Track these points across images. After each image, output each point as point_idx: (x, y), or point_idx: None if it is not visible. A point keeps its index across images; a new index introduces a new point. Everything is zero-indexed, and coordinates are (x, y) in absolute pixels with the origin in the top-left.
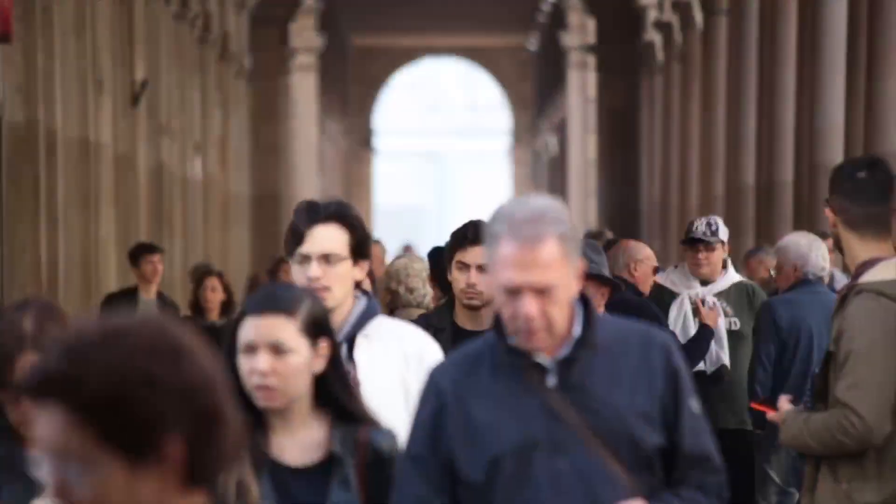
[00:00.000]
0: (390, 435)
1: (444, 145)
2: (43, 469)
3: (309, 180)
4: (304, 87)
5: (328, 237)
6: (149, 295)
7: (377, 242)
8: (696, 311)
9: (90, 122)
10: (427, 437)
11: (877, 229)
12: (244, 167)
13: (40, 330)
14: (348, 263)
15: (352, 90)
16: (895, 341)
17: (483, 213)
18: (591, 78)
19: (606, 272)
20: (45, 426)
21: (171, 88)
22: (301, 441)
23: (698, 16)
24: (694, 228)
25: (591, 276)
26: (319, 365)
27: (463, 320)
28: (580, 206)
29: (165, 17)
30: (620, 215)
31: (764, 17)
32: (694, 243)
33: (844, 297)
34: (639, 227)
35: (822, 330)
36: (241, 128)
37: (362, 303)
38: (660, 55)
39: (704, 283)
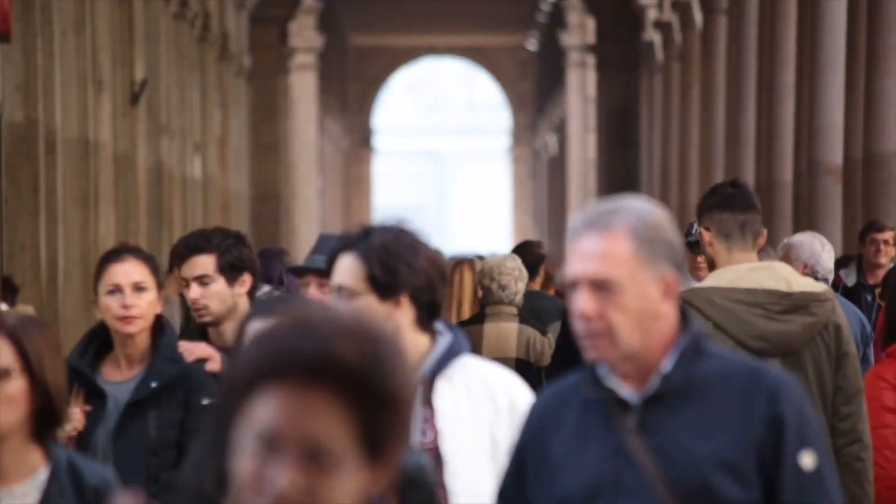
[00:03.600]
0: (419, 457)
1: (443, 144)
2: (275, 460)
3: (308, 180)
4: (303, 86)
5: (343, 269)
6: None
7: None
8: None
9: (90, 122)
10: (512, 473)
11: (744, 238)
12: (244, 166)
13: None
14: (369, 299)
15: (351, 89)
16: None
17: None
18: (591, 77)
19: None
20: (309, 414)
21: (170, 88)
22: None
23: (698, 15)
24: (694, 231)
25: None
26: None
27: (214, 339)
28: (579, 206)
29: (165, 16)
30: None
31: (763, 16)
32: (693, 247)
33: None
34: None
35: None
36: (240, 127)
37: (445, 339)
38: (659, 54)
39: None
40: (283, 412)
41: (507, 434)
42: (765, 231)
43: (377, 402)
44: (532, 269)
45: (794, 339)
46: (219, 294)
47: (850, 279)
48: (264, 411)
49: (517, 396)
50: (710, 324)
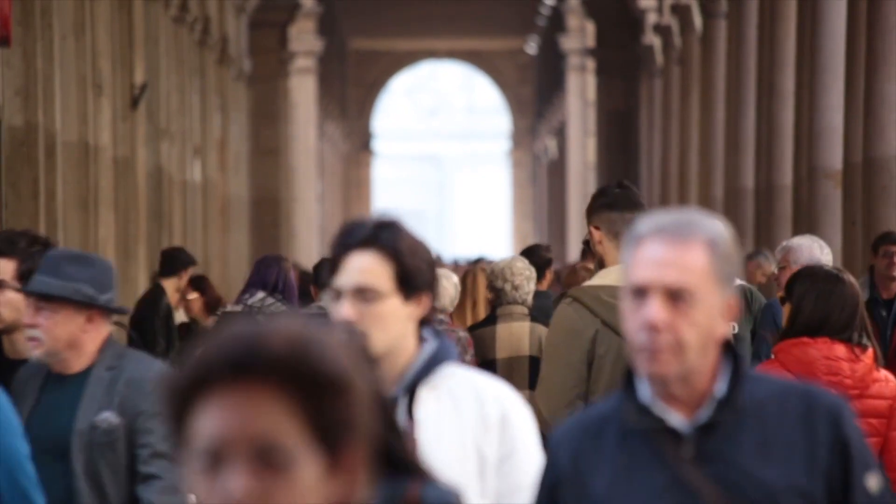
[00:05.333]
0: (448, 492)
1: (443, 148)
2: (226, 470)
3: (308, 183)
4: (303, 90)
5: (363, 268)
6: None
7: None
8: None
9: (89, 126)
10: None
11: None
12: (243, 170)
13: None
14: (394, 301)
15: (351, 93)
16: (576, 342)
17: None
18: (591, 81)
19: None
20: (249, 407)
21: (170, 92)
22: None
23: (697, 19)
24: None
25: None
26: None
27: (7, 347)
28: (579, 209)
29: (165, 20)
30: None
31: (763, 20)
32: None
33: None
34: None
35: None
36: (240, 131)
37: (431, 346)
38: (659, 58)
39: None
40: (222, 418)
41: (497, 449)
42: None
43: (315, 387)
44: (540, 270)
45: None
46: (12, 302)
47: (864, 292)
48: (203, 423)
49: (509, 409)
50: (599, 321)
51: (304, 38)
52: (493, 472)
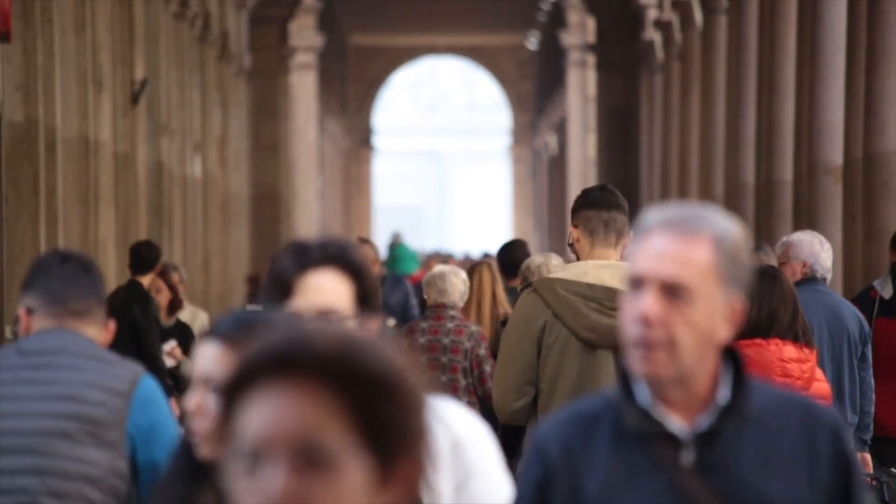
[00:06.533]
0: None
1: (443, 144)
2: (266, 468)
3: (308, 179)
4: (303, 86)
5: (323, 288)
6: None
7: (368, 243)
8: None
9: (90, 121)
10: None
11: (607, 235)
12: (244, 166)
13: None
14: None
15: (351, 89)
16: (528, 330)
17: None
18: (591, 77)
19: None
20: (293, 403)
21: (170, 87)
22: None
23: (698, 15)
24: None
25: None
26: None
27: None
28: None
29: (165, 16)
30: None
31: (763, 16)
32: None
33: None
34: None
35: (823, 328)
36: (240, 127)
37: None
38: (659, 54)
39: None
40: (265, 415)
41: (451, 477)
42: (630, 232)
43: (363, 387)
44: (514, 268)
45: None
46: None
47: (885, 291)
48: (247, 421)
49: (462, 432)
50: (550, 312)
51: (305, 34)
52: (451, 499)
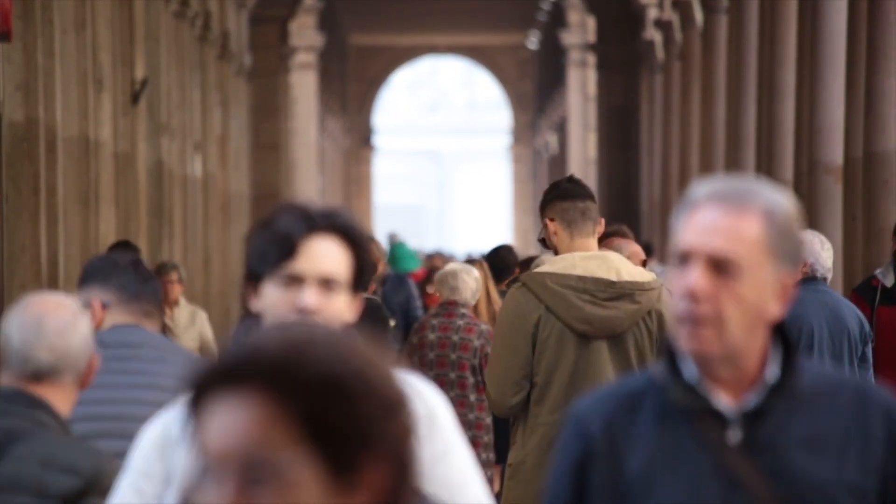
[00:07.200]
0: None
1: (443, 144)
2: (212, 481)
3: (309, 179)
4: (303, 85)
5: (329, 255)
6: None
7: (373, 241)
8: None
9: (90, 121)
10: (569, 492)
11: (584, 224)
12: (244, 166)
13: None
14: (346, 297)
15: (352, 89)
16: (522, 325)
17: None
18: (591, 76)
19: None
20: (239, 417)
21: (170, 87)
22: None
23: (698, 14)
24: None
25: None
26: None
27: None
28: None
29: (165, 15)
30: (620, 213)
31: (764, 15)
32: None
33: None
34: (639, 225)
35: (823, 327)
36: (240, 126)
37: None
38: (660, 53)
39: None
40: (212, 431)
41: (429, 448)
42: (602, 220)
43: (313, 392)
44: (501, 272)
45: (616, 323)
46: None
47: (888, 279)
48: (201, 437)
49: (434, 405)
50: (543, 306)
51: (305, 34)
52: (428, 471)
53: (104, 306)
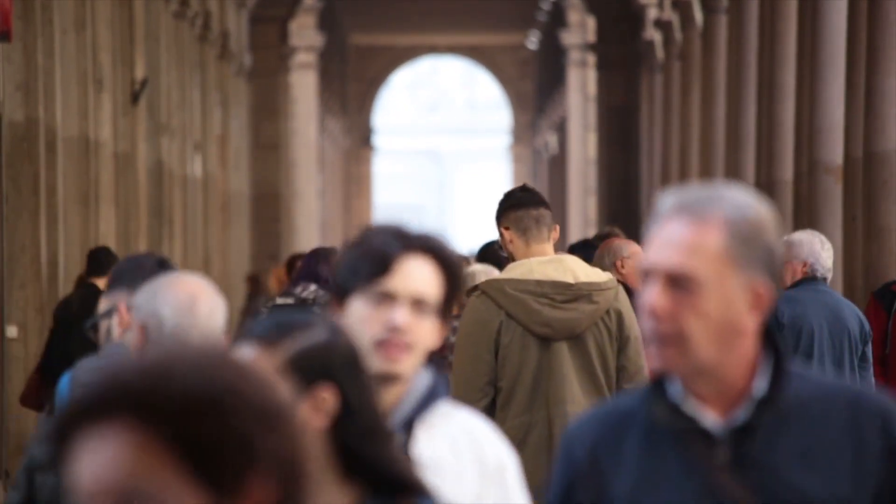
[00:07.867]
0: None
1: (443, 144)
2: None
3: (309, 179)
4: (303, 85)
5: (423, 276)
6: None
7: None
8: None
9: (90, 121)
10: None
11: (539, 231)
12: (244, 165)
13: None
14: (434, 322)
15: (352, 89)
16: (483, 332)
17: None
18: (591, 76)
19: None
20: (106, 452)
21: (170, 87)
22: None
23: (698, 14)
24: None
25: None
26: (319, 421)
27: None
28: (580, 205)
29: (165, 15)
30: (620, 213)
31: (764, 15)
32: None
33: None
34: (639, 224)
35: (823, 327)
36: (240, 126)
37: (425, 379)
38: (660, 53)
39: None
40: (81, 469)
41: (496, 498)
42: (557, 226)
43: (179, 414)
44: (500, 266)
45: (575, 324)
46: None
47: None
48: (74, 474)
49: (503, 456)
50: (503, 312)
51: (305, 34)
52: None
53: (129, 309)
